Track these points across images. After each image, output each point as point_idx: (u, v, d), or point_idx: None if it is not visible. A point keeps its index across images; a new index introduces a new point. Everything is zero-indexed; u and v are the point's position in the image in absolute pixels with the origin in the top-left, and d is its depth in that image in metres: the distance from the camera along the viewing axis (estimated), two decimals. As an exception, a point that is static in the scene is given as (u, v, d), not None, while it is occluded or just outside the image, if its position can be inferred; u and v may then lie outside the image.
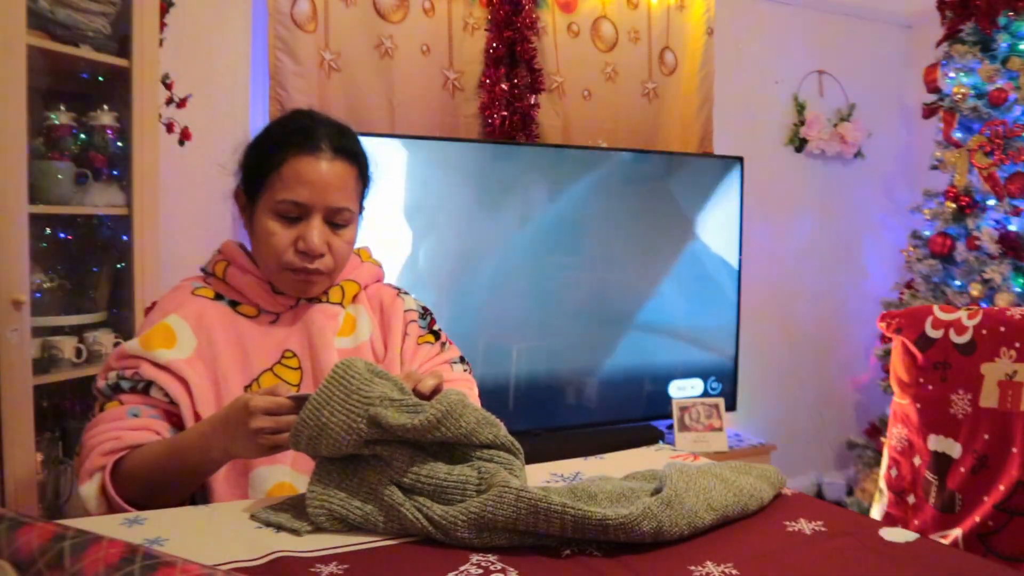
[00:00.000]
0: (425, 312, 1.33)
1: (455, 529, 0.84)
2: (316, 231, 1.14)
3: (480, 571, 0.78)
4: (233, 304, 1.21)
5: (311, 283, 1.19)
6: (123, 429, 1.07)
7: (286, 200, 1.14)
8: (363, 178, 1.22)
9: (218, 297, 1.21)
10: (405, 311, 1.30)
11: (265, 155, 1.16)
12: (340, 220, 1.17)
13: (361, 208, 1.25)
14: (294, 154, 1.14)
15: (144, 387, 1.11)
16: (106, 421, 1.09)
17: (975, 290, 2.90)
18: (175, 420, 1.12)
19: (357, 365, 0.92)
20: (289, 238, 1.15)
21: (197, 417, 1.10)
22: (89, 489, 1.04)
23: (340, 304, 1.25)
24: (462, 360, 1.33)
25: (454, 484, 0.88)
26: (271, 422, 0.94)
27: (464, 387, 1.25)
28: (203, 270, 1.25)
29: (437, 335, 1.32)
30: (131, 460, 1.05)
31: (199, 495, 1.12)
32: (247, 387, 1.15)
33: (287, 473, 1.12)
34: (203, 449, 1.01)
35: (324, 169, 1.14)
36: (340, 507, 0.89)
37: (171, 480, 1.04)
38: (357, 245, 1.27)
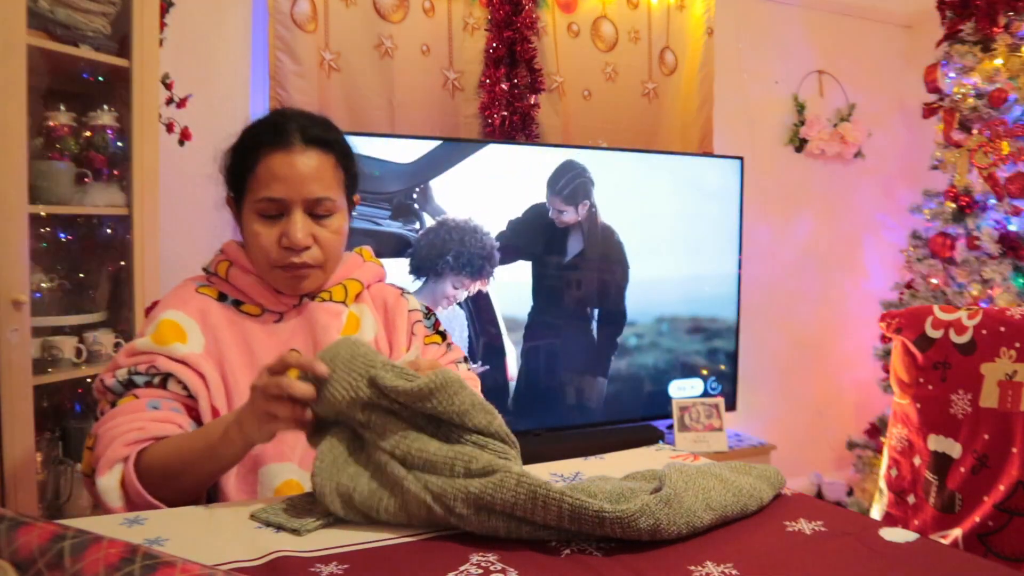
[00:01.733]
0: (429, 312, 1.34)
1: (454, 505, 0.85)
2: (298, 225, 1.14)
3: (480, 571, 0.78)
4: (236, 304, 1.21)
5: (302, 277, 1.18)
6: (146, 420, 1.05)
7: (264, 198, 1.14)
8: (343, 166, 1.21)
9: (221, 297, 1.21)
10: (409, 311, 1.30)
11: (241, 158, 1.17)
12: (322, 210, 1.17)
13: (350, 198, 1.24)
14: (266, 152, 1.14)
15: (161, 381, 1.10)
16: (124, 413, 1.06)
17: (975, 290, 2.90)
18: (193, 415, 1.11)
19: (364, 342, 0.96)
20: (273, 236, 1.15)
21: (215, 411, 1.10)
22: (109, 481, 1.01)
23: (343, 303, 1.25)
24: (466, 360, 1.35)
25: (443, 461, 0.88)
26: (278, 369, 0.93)
27: (470, 384, 1.25)
28: (205, 270, 1.25)
29: (443, 335, 1.33)
30: (153, 452, 1.03)
31: (211, 491, 1.11)
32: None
33: (295, 471, 1.12)
34: (229, 440, 0.99)
35: (297, 162, 1.14)
36: (348, 481, 0.89)
37: (195, 471, 1.01)
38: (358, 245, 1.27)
